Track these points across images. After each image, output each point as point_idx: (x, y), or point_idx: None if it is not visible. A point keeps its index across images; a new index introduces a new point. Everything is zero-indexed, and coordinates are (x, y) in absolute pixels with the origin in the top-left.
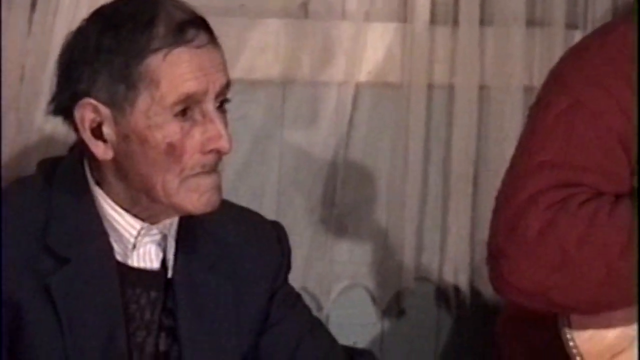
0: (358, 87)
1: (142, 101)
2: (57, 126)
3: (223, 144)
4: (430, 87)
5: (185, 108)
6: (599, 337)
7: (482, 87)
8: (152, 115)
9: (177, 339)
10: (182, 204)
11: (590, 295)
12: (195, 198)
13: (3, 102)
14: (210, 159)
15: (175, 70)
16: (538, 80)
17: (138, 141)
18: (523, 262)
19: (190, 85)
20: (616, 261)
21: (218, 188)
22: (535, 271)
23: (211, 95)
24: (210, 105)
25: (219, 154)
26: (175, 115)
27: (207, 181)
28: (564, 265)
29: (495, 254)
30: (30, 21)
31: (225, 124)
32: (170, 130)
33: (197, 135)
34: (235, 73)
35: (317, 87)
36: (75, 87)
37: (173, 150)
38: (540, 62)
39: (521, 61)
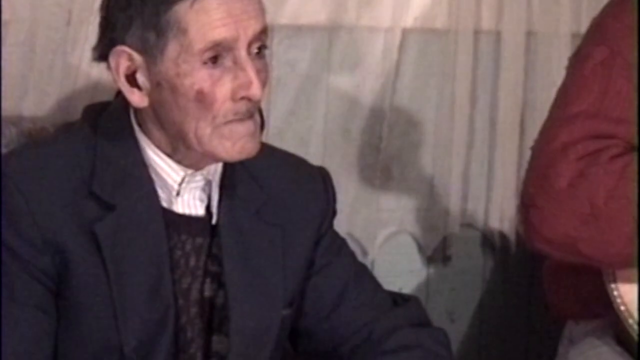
0: (404, 32)
1: (171, 49)
2: (102, 72)
3: (254, 91)
4: (477, 33)
5: (216, 55)
6: None
7: (529, 34)
8: (181, 62)
9: (222, 285)
10: (216, 151)
11: (619, 249)
12: (229, 145)
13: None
14: (242, 106)
15: (203, 17)
16: (585, 27)
17: (169, 89)
18: (552, 212)
19: (218, 33)
20: None
21: (253, 135)
22: (564, 222)
23: (243, 43)
24: (242, 52)
25: (251, 101)
26: (205, 62)
27: (240, 129)
28: (592, 217)
29: (527, 203)
30: None
31: (260, 71)
32: (199, 77)
33: (227, 83)
34: (281, 19)
35: (363, 32)
36: (111, 34)
37: (203, 98)
38: (588, 9)
39: (568, 7)
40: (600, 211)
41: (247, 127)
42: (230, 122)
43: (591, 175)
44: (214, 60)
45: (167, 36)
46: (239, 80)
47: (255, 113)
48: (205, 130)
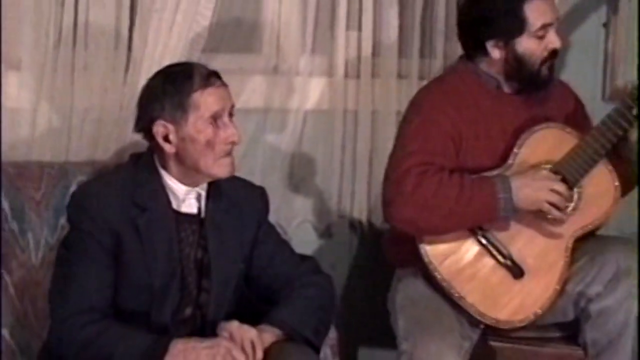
0: (306, 112)
1: (191, 118)
2: (140, 137)
3: (236, 138)
4: (345, 112)
5: (215, 119)
6: (440, 246)
7: (374, 112)
8: (198, 125)
9: (207, 251)
10: (215, 173)
11: (441, 224)
12: (221, 170)
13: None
14: (228, 148)
15: (208, 99)
16: (404, 107)
17: (190, 141)
18: (403, 206)
19: (216, 107)
20: (453, 205)
21: (232, 163)
22: (410, 211)
23: (226, 112)
24: (226, 117)
25: (233, 144)
26: (210, 124)
27: (227, 160)
28: (425, 208)
29: (387, 202)
30: (125, 80)
31: (237, 127)
32: (207, 133)
33: (221, 134)
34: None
35: (283, 112)
36: (150, 114)
37: (211, 145)
38: (407, 95)
39: (394, 93)
40: (430, 204)
41: (230, 159)
42: (223, 156)
43: (424, 184)
44: (214, 122)
45: (188, 112)
46: (228, 132)
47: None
48: (209, 161)
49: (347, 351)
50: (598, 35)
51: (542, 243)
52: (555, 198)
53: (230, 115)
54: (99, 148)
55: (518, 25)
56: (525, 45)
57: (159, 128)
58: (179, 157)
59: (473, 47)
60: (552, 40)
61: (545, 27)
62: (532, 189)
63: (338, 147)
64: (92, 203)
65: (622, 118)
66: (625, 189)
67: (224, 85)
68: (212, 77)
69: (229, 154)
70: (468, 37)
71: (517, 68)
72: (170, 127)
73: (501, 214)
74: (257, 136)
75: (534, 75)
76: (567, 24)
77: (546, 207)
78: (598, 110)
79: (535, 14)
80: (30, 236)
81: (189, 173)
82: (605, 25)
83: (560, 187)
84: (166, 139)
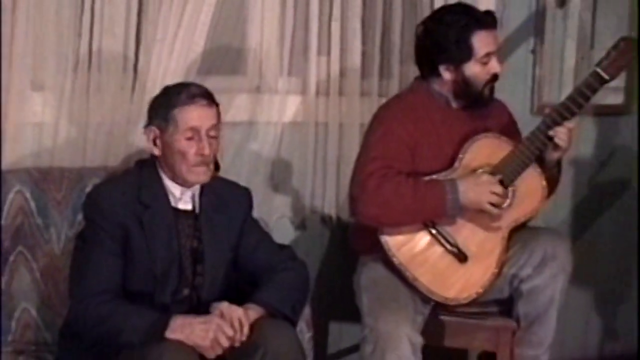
0: (283, 125)
1: (171, 129)
2: (143, 147)
3: (206, 152)
4: (316, 124)
5: (192, 135)
6: (397, 236)
7: (341, 125)
8: (175, 136)
9: (201, 242)
10: (190, 179)
11: (398, 219)
12: (196, 177)
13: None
14: (201, 159)
15: (186, 116)
16: (367, 120)
17: (169, 149)
18: (367, 204)
19: (192, 123)
20: (410, 203)
21: (204, 173)
22: (373, 208)
23: (203, 129)
24: (203, 133)
25: (203, 156)
26: (186, 138)
27: (201, 169)
28: (386, 204)
29: (354, 199)
30: (132, 98)
31: (211, 144)
32: (182, 145)
33: (194, 148)
34: (226, 118)
35: (265, 124)
36: (148, 120)
37: (183, 154)
38: (370, 109)
39: (358, 107)
40: (390, 201)
41: (203, 168)
42: (195, 165)
43: (384, 185)
44: (190, 137)
45: (169, 123)
46: (199, 146)
47: (210, 163)
48: (184, 169)
49: (320, 325)
50: (527, 61)
51: (483, 233)
52: (494, 199)
53: (211, 132)
54: (110, 156)
55: (467, 53)
56: (472, 69)
57: (150, 132)
58: (165, 160)
59: (428, 69)
60: (494, 66)
61: (488, 55)
62: (475, 193)
63: (311, 154)
64: (104, 202)
65: (542, 135)
66: (550, 190)
67: (209, 105)
68: (197, 97)
69: (204, 164)
70: (424, 61)
71: (464, 88)
72: (158, 132)
73: (449, 212)
74: (243, 145)
75: (478, 94)
76: (501, 51)
77: (487, 207)
78: (527, 123)
79: (480, 44)
80: (53, 230)
81: (176, 176)
82: (533, 52)
83: (498, 189)
84: (155, 142)
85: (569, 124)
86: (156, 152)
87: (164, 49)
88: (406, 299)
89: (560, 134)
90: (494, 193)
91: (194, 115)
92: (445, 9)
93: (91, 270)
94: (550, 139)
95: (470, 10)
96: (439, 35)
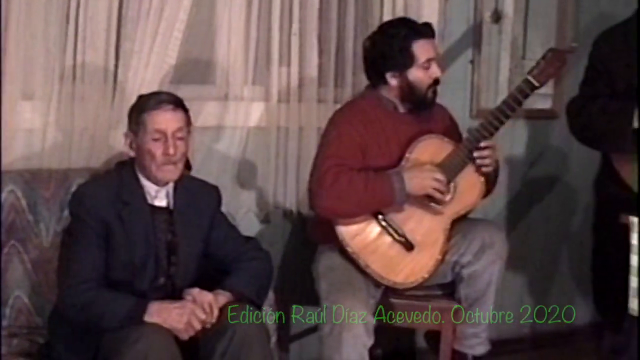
0: (249, 129)
1: (141, 132)
2: (123, 150)
3: (170, 152)
4: (278, 129)
5: (159, 137)
6: (351, 227)
7: (300, 128)
8: (145, 139)
9: (175, 235)
10: (159, 177)
11: (352, 210)
12: (164, 175)
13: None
14: (167, 158)
15: (153, 119)
16: (324, 124)
17: (139, 150)
18: (324, 197)
19: (158, 126)
20: (362, 194)
21: (172, 172)
22: (330, 201)
23: (169, 132)
24: (169, 135)
25: (170, 156)
26: (153, 139)
27: (169, 167)
28: (341, 197)
29: (312, 194)
30: (112, 106)
31: (177, 146)
32: (150, 146)
33: (161, 148)
34: (196, 123)
35: (232, 129)
36: (128, 127)
37: (152, 155)
38: (325, 117)
39: (315, 112)
40: (345, 193)
41: (169, 168)
42: (163, 164)
43: (340, 179)
44: (157, 139)
45: (139, 126)
46: (165, 147)
47: (178, 162)
48: (153, 168)
49: (283, 309)
50: (466, 70)
51: (428, 224)
52: (437, 184)
53: (177, 134)
54: (93, 158)
55: (409, 60)
56: (415, 74)
57: (126, 136)
58: (139, 161)
59: (376, 78)
60: (435, 70)
61: (429, 60)
62: (419, 179)
63: (273, 155)
64: (88, 200)
65: (480, 135)
66: (488, 190)
67: (174, 110)
68: (163, 103)
69: (171, 163)
70: (372, 70)
71: (409, 92)
72: (132, 136)
73: (397, 200)
74: (212, 147)
75: (422, 97)
76: (443, 61)
77: (431, 191)
78: (467, 126)
79: (421, 51)
80: (42, 225)
81: (149, 175)
82: (472, 62)
83: (441, 176)
84: (131, 145)
85: (488, 142)
86: (132, 154)
87: (140, 62)
88: (360, 284)
89: (483, 160)
90: (437, 179)
91: (160, 119)
92: (388, 23)
93: (77, 261)
94: (480, 149)
95: (410, 22)
96: (384, 45)
